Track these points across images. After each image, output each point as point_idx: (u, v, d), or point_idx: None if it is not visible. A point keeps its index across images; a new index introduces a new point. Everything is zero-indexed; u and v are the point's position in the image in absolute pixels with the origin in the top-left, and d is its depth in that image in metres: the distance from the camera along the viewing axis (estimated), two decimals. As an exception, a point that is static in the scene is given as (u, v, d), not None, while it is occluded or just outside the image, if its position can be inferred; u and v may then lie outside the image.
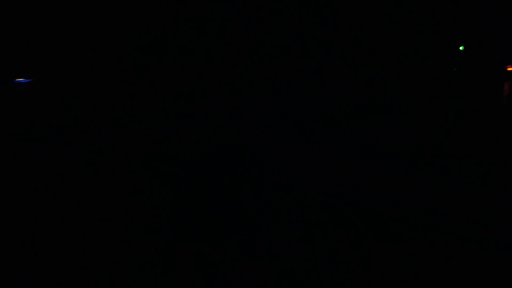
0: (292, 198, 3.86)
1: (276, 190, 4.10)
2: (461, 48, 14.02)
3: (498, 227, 2.96)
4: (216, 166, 5.14)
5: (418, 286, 2.29)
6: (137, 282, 2.42)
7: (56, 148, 6.49)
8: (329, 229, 3.10)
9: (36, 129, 7.38)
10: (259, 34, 12.80)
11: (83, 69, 10.31)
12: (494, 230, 2.91)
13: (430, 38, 14.08)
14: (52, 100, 9.33)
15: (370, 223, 3.18)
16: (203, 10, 11.86)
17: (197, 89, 11.49)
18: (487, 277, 2.35)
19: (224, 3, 12.21)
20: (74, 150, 6.41)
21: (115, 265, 2.65)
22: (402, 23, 13.83)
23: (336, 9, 13.56)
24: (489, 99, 10.74)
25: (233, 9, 12.36)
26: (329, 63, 13.63)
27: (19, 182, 4.71)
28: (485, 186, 3.97)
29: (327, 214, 3.42)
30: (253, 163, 5.27)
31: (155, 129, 7.96)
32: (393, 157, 5.29)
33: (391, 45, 13.92)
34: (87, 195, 4.14)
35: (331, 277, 2.41)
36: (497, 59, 13.42)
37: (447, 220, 3.13)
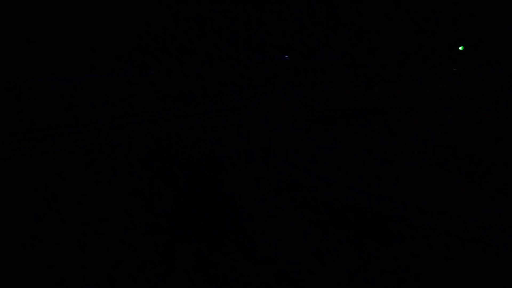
0: (292, 198, 3.86)
1: (276, 190, 4.11)
2: (460, 48, 14.02)
3: (498, 227, 2.96)
4: (216, 166, 5.14)
5: (418, 286, 2.29)
6: (137, 282, 2.42)
7: (56, 148, 6.49)
8: (329, 229, 3.10)
9: (37, 129, 7.37)
10: (259, 34, 12.80)
11: (83, 69, 10.31)
12: (494, 230, 2.91)
13: (430, 38, 14.09)
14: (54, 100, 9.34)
15: (370, 223, 3.18)
16: (203, 10, 11.86)
17: (197, 89, 11.50)
18: (487, 277, 2.35)
19: (224, 3, 12.21)
20: (74, 150, 6.41)
21: (115, 265, 2.65)
22: (402, 23, 13.84)
23: (336, 9, 13.56)
24: (489, 99, 10.74)
25: (233, 9, 12.35)
26: (328, 62, 13.64)
27: (19, 182, 4.71)
28: (485, 186, 3.97)
29: (327, 214, 3.42)
30: (253, 163, 5.27)
31: (155, 129, 7.96)
32: (392, 157, 5.29)
33: (391, 45, 13.92)
34: (87, 195, 4.14)
35: (331, 277, 2.41)
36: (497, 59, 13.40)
37: (447, 220, 3.14)
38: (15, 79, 9.42)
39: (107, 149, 6.45)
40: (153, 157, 5.79)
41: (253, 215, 3.43)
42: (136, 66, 11.11)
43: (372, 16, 13.85)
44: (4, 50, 9.33)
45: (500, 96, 11.25)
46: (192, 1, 11.76)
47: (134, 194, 4.13)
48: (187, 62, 11.94)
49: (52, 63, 9.99)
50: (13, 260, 2.77)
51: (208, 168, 5.08)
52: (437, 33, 14.18)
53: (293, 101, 10.81)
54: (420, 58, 14.38)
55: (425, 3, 13.87)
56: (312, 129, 7.74)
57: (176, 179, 4.63)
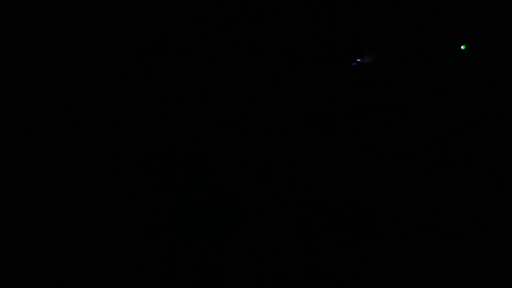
0: (293, 198, 3.86)
1: (277, 191, 4.10)
2: (462, 47, 13.98)
3: (498, 227, 2.95)
4: (216, 166, 5.14)
5: (418, 286, 2.29)
6: (137, 282, 2.42)
7: (56, 148, 6.49)
8: (330, 229, 3.10)
9: (37, 129, 7.38)
10: (259, 34, 12.80)
11: (83, 69, 10.32)
12: (494, 230, 2.91)
13: (430, 38, 14.08)
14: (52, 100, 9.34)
15: (370, 223, 3.18)
16: (203, 10, 11.86)
17: (197, 89, 11.50)
18: (487, 277, 2.35)
19: (224, 3, 12.21)
20: (74, 150, 6.41)
21: (115, 265, 2.65)
22: (402, 23, 13.84)
23: (335, 8, 13.57)
24: (489, 99, 10.73)
25: (233, 8, 12.35)
26: (328, 62, 13.65)
27: (19, 182, 4.71)
28: (485, 186, 3.97)
29: (327, 214, 3.42)
30: (253, 164, 5.27)
31: (155, 129, 7.96)
32: (392, 157, 5.29)
33: (391, 45, 13.92)
34: (87, 195, 4.14)
35: (331, 277, 2.41)
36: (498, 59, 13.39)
37: (447, 220, 3.13)
38: (15, 79, 9.42)
39: (107, 149, 6.45)
40: (153, 157, 5.79)
41: (253, 215, 3.43)
42: (136, 66, 11.12)
43: (372, 16, 13.84)
44: (4, 50, 9.33)
45: (500, 96, 11.24)
46: (193, 1, 11.76)
47: (134, 194, 4.13)
48: (187, 62, 11.94)
49: (52, 63, 9.99)
50: (13, 260, 2.77)
51: (207, 168, 5.08)
52: (437, 32, 14.17)
53: (294, 101, 10.81)
54: (420, 57, 14.37)
55: (425, 3, 13.87)
56: (312, 129, 7.74)
57: (176, 179, 4.63)
